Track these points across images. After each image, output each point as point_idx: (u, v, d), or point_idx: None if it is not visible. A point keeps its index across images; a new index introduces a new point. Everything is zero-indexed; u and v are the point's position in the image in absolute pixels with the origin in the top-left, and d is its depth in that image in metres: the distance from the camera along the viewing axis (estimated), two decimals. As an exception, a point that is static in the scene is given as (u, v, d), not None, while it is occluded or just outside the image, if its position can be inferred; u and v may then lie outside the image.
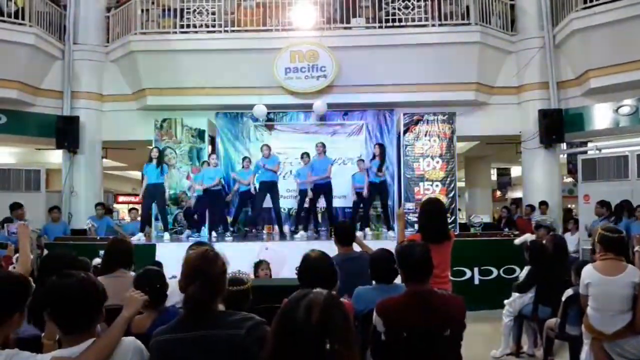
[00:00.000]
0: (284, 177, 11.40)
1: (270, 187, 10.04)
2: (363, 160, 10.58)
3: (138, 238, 9.32)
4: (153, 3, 11.53)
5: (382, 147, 10.24)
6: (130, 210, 11.53)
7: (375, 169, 9.86)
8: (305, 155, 10.16)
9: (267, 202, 10.21)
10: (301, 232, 9.99)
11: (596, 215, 9.32)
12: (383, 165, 10.03)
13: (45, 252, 7.97)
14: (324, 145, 10.30)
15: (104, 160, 12.63)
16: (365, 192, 9.93)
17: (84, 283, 2.22)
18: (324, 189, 10.02)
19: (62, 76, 11.52)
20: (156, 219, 10.34)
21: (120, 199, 21.29)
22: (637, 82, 9.86)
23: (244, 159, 10.60)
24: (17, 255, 4.29)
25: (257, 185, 10.23)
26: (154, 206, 10.03)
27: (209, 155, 10.48)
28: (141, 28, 11.26)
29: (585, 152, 11.51)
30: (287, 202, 11.28)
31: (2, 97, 10.57)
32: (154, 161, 9.63)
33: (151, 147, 10.11)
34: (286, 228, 10.61)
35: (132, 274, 3.81)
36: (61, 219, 10.47)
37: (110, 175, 18.07)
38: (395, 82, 10.99)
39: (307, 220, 10.28)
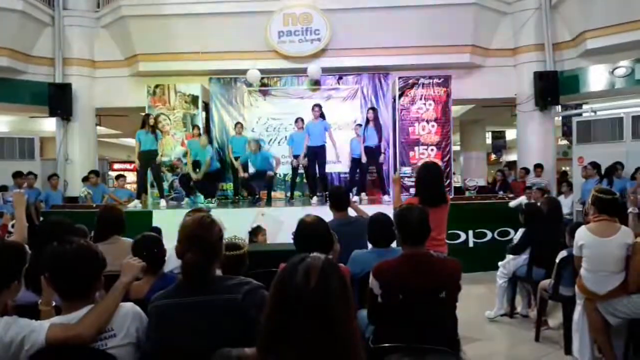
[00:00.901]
0: (278, 143, 11.38)
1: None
2: (361, 125, 10.46)
3: (134, 205, 9.32)
4: (143, -33, 11.31)
5: (375, 111, 10.11)
6: (117, 177, 11.39)
7: (375, 135, 9.72)
8: (299, 120, 10.05)
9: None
10: (315, 198, 9.73)
11: (584, 177, 9.41)
12: (381, 133, 9.88)
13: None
14: (320, 107, 9.97)
15: (98, 127, 12.56)
16: (364, 158, 9.80)
17: (85, 249, 2.25)
18: (315, 153, 9.83)
19: (53, 43, 11.39)
20: (151, 185, 10.32)
21: (116, 166, 21.21)
22: (634, 43, 9.80)
23: (237, 124, 10.50)
24: (14, 222, 4.30)
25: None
26: (150, 173, 9.97)
27: (193, 127, 10.36)
28: (132, -8, 11.07)
29: (580, 114, 11.50)
30: (282, 169, 11.25)
31: (-8, 65, 10.45)
32: (147, 127, 9.50)
33: (143, 114, 9.99)
34: (281, 194, 10.58)
35: (128, 240, 3.83)
36: (65, 187, 10.43)
37: (104, 143, 17.99)
38: (390, 45, 10.89)
39: (315, 184, 10.02)
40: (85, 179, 10.40)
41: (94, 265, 2.24)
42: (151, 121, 9.55)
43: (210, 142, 10.37)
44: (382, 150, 10.10)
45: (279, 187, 11.23)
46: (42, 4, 11.07)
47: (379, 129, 9.77)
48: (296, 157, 9.92)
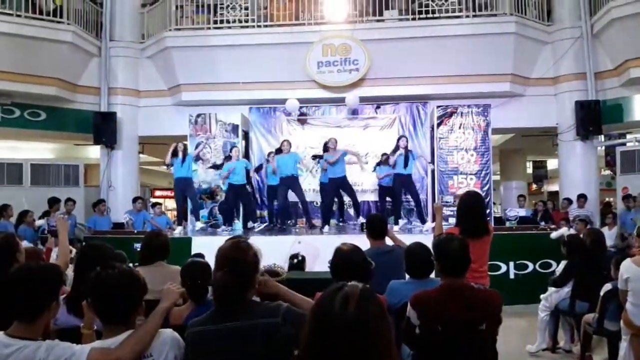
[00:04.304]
0: (316, 171, 11.40)
1: (291, 181, 9.83)
2: (386, 154, 10.45)
3: (179, 232, 9.47)
4: (187, -1, 11.67)
5: (405, 139, 9.99)
6: (153, 205, 11.63)
7: (402, 162, 9.68)
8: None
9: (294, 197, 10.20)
10: (326, 227, 9.77)
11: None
12: (409, 158, 9.77)
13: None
14: (336, 141, 9.84)
15: (141, 155, 12.84)
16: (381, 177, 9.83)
17: (127, 275, 2.29)
18: (340, 184, 9.81)
19: (99, 73, 11.74)
20: (191, 212, 10.47)
21: (157, 193, 21.58)
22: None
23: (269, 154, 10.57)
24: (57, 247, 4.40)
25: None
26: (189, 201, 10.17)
27: (231, 149, 10.48)
28: (176, 24, 11.39)
29: (624, 144, 11.26)
30: (318, 196, 11.25)
31: (41, 94, 10.81)
32: (180, 154, 9.73)
33: (176, 143, 10.14)
34: (318, 221, 10.58)
35: (172, 266, 3.91)
36: (107, 213, 10.61)
37: (146, 170, 18.34)
38: (428, 75, 10.89)
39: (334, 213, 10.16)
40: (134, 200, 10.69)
41: (136, 290, 2.28)
42: (179, 147, 9.82)
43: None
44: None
45: (316, 215, 11.24)
46: (89, 36, 11.47)
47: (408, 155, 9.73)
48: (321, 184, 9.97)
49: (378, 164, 10.61)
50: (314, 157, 10.39)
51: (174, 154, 9.80)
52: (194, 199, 10.02)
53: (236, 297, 2.21)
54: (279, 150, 10.14)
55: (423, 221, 9.98)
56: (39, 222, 8.88)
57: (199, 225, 9.86)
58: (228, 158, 10.39)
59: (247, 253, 2.30)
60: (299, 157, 10.15)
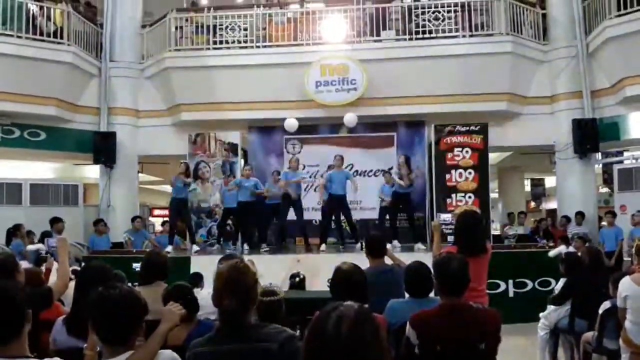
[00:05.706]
0: (315, 189, 11.42)
1: (340, 200, 9.86)
2: (390, 173, 10.47)
3: (168, 251, 9.48)
4: (187, 20, 11.77)
5: (407, 157, 10.10)
6: (163, 223, 11.70)
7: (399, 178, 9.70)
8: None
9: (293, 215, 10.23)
10: (323, 245, 9.82)
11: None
12: (411, 174, 9.83)
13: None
14: (342, 158, 10.07)
15: (140, 174, 12.85)
16: (388, 201, 9.82)
17: (129, 295, 2.29)
18: (338, 202, 9.81)
19: (99, 93, 11.76)
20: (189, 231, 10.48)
21: (156, 212, 21.55)
22: (675, 90, 9.66)
23: (273, 172, 10.63)
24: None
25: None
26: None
27: (243, 167, 10.50)
28: (175, 45, 11.47)
29: (621, 162, 11.29)
30: (317, 215, 11.27)
31: (41, 114, 10.83)
32: (183, 175, 9.84)
33: (181, 162, 10.24)
34: (316, 241, 10.60)
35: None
36: (107, 232, 10.57)
37: (145, 189, 18.33)
38: (426, 94, 10.92)
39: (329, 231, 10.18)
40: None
41: (136, 311, 2.27)
42: (181, 169, 9.98)
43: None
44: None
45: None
46: (89, 57, 11.52)
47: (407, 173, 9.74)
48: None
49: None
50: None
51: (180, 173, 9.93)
52: (189, 220, 10.07)
53: (236, 319, 2.22)
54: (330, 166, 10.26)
55: (417, 240, 9.94)
56: (31, 247, 8.58)
57: (195, 247, 9.88)
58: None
59: (247, 275, 2.31)
60: (350, 175, 10.12)
